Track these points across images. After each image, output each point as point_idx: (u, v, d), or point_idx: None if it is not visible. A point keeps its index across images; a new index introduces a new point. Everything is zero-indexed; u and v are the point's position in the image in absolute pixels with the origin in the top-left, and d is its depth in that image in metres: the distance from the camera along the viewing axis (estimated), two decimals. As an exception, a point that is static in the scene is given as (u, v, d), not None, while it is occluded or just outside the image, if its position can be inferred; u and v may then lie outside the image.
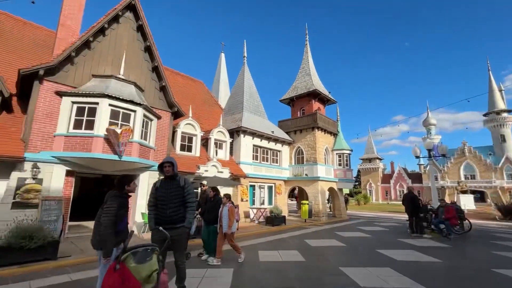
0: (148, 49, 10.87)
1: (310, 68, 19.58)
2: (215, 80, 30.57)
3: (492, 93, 50.59)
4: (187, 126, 12.65)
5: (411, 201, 10.27)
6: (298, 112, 19.05)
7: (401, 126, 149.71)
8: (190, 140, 12.83)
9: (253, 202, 15.32)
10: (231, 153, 15.03)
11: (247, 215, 14.01)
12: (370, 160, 60.82)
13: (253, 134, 15.35)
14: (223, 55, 30.89)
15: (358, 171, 64.87)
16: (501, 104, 49.31)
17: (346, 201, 27.26)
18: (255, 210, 14.16)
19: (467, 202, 29.17)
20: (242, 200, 14.01)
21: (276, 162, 17.29)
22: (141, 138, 9.57)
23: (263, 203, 15.95)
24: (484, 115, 51.52)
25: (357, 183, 69.80)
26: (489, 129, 50.28)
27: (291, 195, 39.01)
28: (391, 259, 6.41)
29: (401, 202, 12.71)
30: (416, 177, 54.64)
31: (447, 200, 24.51)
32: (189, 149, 12.73)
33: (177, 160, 11.53)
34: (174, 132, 12.16)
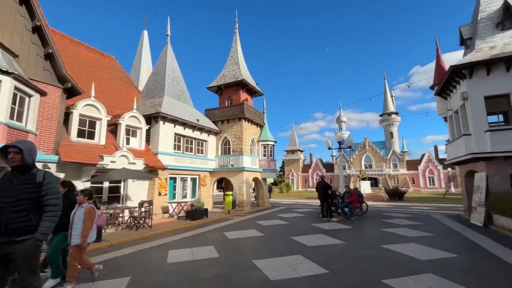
0: (25, 2, 8.21)
1: (238, 57, 19.20)
2: (135, 60, 26.94)
3: (386, 98, 62.01)
4: (88, 107, 10.39)
5: (323, 188, 11.22)
6: (226, 102, 18.52)
7: (320, 122, 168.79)
8: (92, 125, 10.61)
9: (173, 196, 14.12)
10: (147, 142, 13.34)
11: (165, 210, 12.78)
12: (293, 151, 66.20)
13: (175, 121, 13.99)
14: (145, 32, 27.43)
15: (283, 161, 69.87)
16: (391, 107, 61.03)
17: (270, 190, 28.73)
18: (174, 205, 13.04)
19: (365, 187, 35.03)
20: (160, 194, 12.67)
21: (202, 153, 16.40)
22: (12, 118, 7.22)
23: (185, 196, 14.93)
24: (380, 115, 62.83)
25: (281, 173, 75.22)
26: (383, 127, 61.82)
27: (220, 186, 38.70)
28: (303, 246, 6.65)
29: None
30: (329, 167, 62.56)
31: (351, 186, 28.78)
32: (91, 135, 10.52)
33: (74, 148, 9.48)
34: (69, 114, 9.79)
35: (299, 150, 66.32)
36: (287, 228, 9.50)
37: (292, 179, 64.43)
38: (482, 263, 5.16)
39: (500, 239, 7.39)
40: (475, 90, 10.53)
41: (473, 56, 10.79)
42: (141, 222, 9.56)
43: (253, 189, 23.50)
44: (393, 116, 59.85)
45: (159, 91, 15.63)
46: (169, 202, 13.14)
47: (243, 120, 16.70)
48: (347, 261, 5.28)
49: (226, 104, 18.28)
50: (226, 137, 17.25)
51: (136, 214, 9.68)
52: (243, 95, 18.17)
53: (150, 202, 10.07)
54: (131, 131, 12.31)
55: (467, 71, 10.59)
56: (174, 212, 12.81)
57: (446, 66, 14.45)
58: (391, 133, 59.24)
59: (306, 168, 65.41)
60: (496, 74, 10.29)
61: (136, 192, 11.81)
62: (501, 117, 13.14)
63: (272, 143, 18.81)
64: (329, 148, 14.34)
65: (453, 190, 39.70)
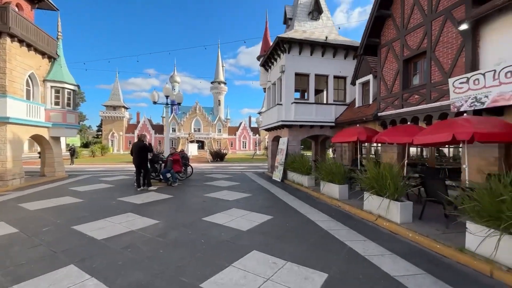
0: None
1: None
2: None
3: (218, 67, 65.70)
4: None
5: (140, 151, 8.78)
6: (-32, -3, 10.18)
7: (153, 80, 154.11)
8: None
9: None
10: None
11: None
12: (114, 108, 55.36)
13: None
14: None
15: (101, 119, 57.09)
16: (221, 77, 65.73)
17: (73, 153, 21.68)
18: None
19: (193, 150, 35.80)
20: None
21: None
22: None
23: None
24: (211, 83, 66.13)
25: (99, 132, 61.62)
26: (213, 95, 65.84)
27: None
28: (88, 242, 4.18)
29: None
30: (159, 129, 58.78)
31: (179, 149, 27.98)
32: None
33: None
34: None
35: (124, 107, 56.48)
36: (75, 210, 6.36)
37: (112, 140, 54.45)
38: (293, 223, 5.34)
39: (293, 192, 8.81)
40: (290, 66, 11.93)
41: (292, 34, 12.06)
42: None
43: (39, 153, 16.20)
44: (222, 85, 65.06)
45: None
46: None
47: (8, 38, 9.90)
48: (157, 260, 3.55)
49: (-33, 1, 10.06)
50: (-35, 62, 9.64)
51: None
52: (11, -4, 10.72)
53: None
54: None
55: (287, 45, 11.67)
56: None
57: (271, 42, 15.81)
58: (219, 101, 64.61)
59: (131, 128, 57.40)
60: (304, 55, 12.12)
61: None
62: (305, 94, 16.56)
63: (71, 87, 13.07)
64: (154, 103, 11.76)
65: (258, 152, 50.22)
